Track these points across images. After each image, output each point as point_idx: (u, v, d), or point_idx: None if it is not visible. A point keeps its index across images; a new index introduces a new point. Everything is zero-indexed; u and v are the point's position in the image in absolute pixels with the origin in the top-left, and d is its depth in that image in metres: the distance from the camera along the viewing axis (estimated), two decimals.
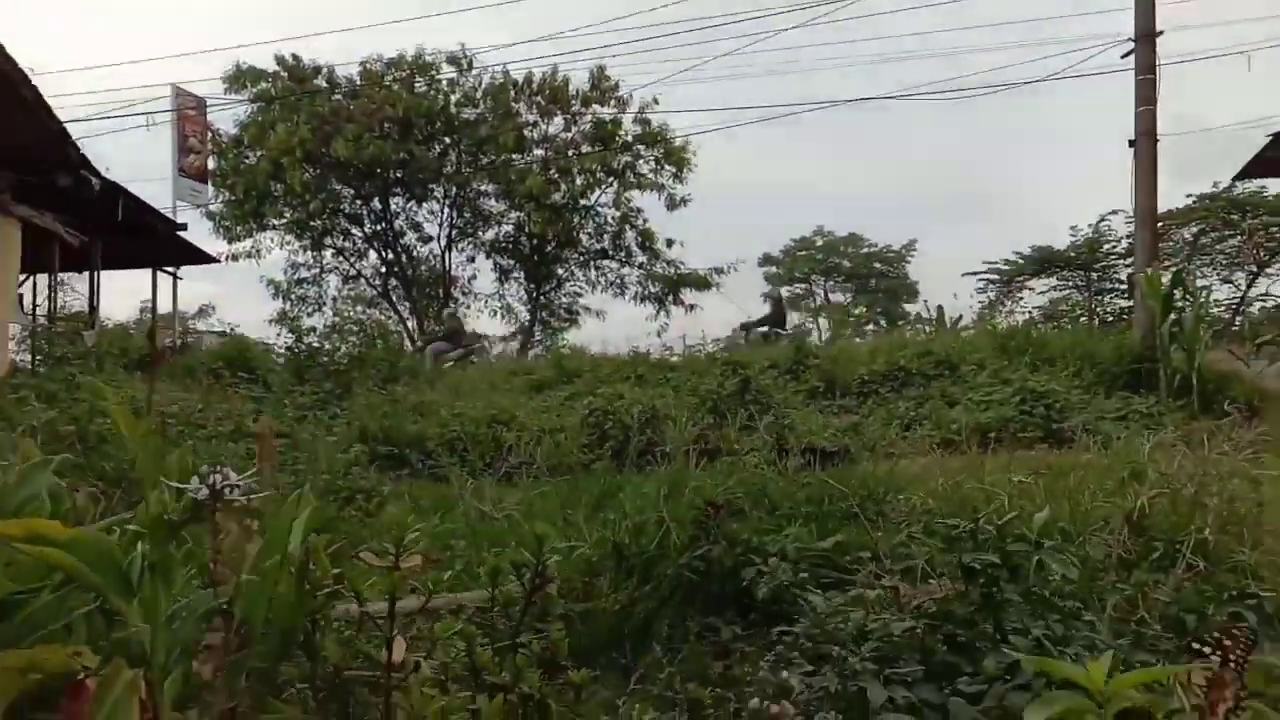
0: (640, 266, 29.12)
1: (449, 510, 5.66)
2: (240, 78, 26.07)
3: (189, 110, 22.17)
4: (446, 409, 11.82)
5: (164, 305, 22.09)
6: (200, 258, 21.21)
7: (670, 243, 28.50)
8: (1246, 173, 18.37)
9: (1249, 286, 27.91)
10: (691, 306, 29.43)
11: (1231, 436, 5.88)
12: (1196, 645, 1.14)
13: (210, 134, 24.57)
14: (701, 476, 5.55)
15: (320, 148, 24.98)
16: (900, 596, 2.26)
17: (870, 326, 41.65)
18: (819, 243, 47.49)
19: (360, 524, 5.70)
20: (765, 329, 19.85)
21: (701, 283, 29.03)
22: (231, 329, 22.09)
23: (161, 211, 18.43)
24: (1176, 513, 3.85)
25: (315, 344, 16.00)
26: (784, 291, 26.26)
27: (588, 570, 3.64)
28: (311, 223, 27.58)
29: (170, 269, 21.22)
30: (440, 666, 1.69)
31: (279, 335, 17.16)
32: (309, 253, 29.04)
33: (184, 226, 19.31)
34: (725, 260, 29.48)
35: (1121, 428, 9.67)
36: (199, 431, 7.53)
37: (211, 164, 25.21)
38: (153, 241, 17.86)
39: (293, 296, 29.43)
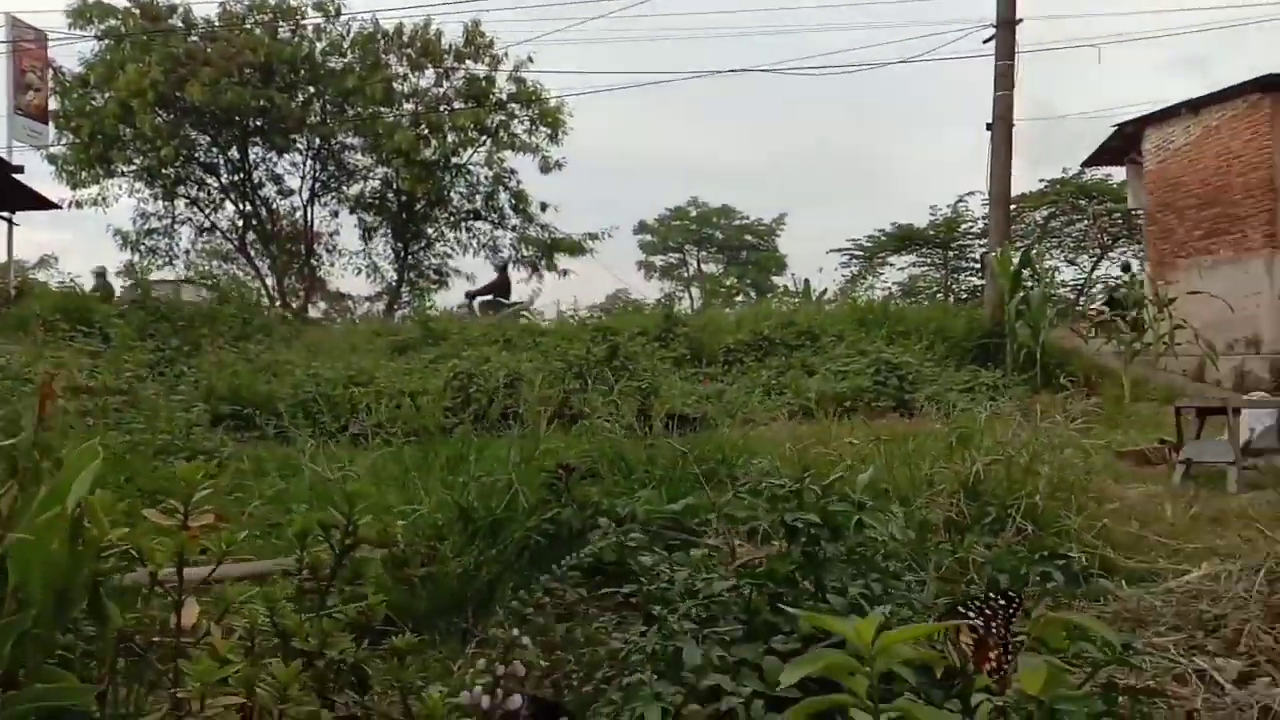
0: (513, 229, 28.74)
1: (295, 474, 5.45)
2: (86, 12, 24.34)
3: (26, 44, 20.58)
4: (302, 369, 11.42)
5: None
6: (39, 203, 19.83)
7: (544, 206, 28.19)
8: (1094, 160, 19.32)
9: (1093, 269, 29.56)
10: (565, 272, 29.25)
11: (1066, 409, 6.17)
12: (961, 609, 1.16)
13: (51, 71, 22.90)
14: (558, 440, 5.51)
15: (174, 91, 23.59)
16: (735, 556, 2.28)
17: (740, 298, 42.51)
18: (693, 213, 47.91)
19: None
20: (489, 297, 20.00)
21: (575, 248, 28.83)
22: (71, 280, 20.84)
23: None
24: (1010, 479, 4.01)
25: (159, 298, 15.23)
26: (509, 258, 26.42)
27: (434, 534, 3.55)
28: (163, 170, 26.02)
29: (5, 214, 19.78)
30: (247, 632, 1.59)
31: (123, 288, 16.25)
32: (160, 202, 27.48)
33: (20, 169, 18.03)
34: (600, 227, 29.33)
35: (968, 399, 10.09)
36: (25, 386, 7.03)
37: (53, 104, 23.50)
38: None
39: (142, 248, 27.90)
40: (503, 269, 21.95)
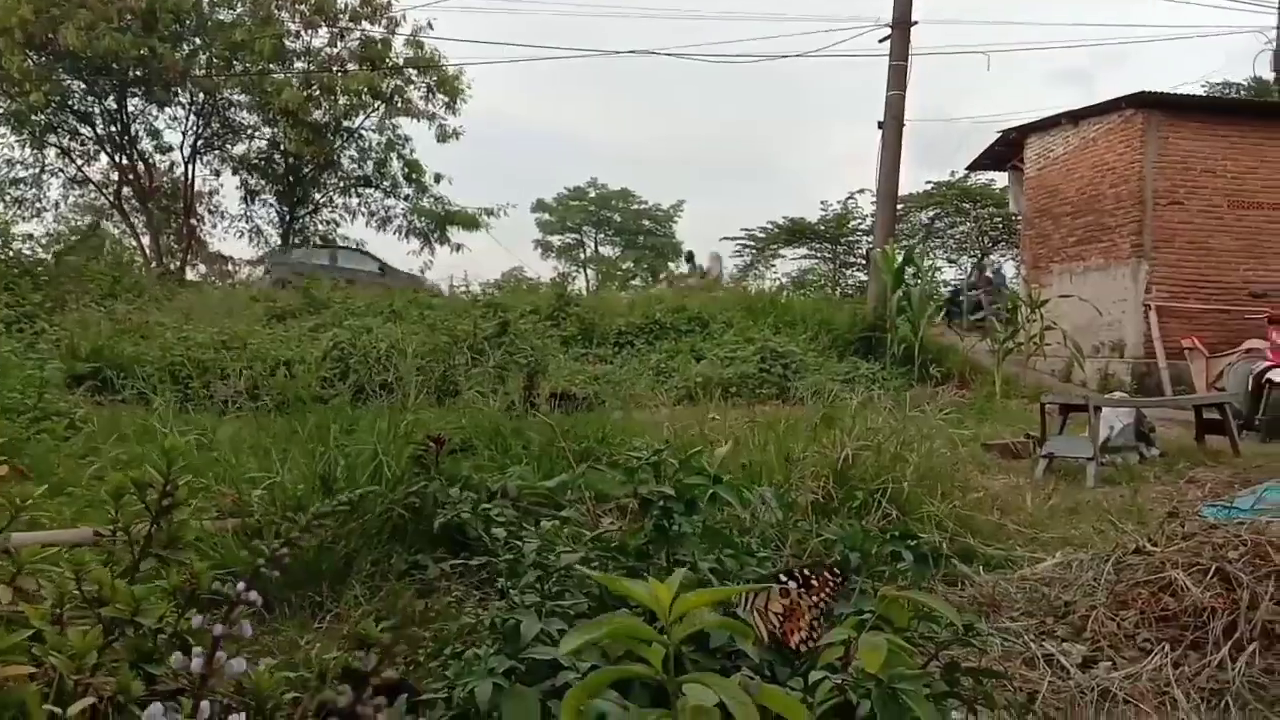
0: (406, 199, 28.13)
1: (152, 439, 5.18)
2: None
3: None
4: (173, 331, 10.95)
5: None
6: None
7: (439, 178, 27.67)
8: (978, 165, 19.94)
9: (973, 270, 30.55)
10: (459, 246, 28.80)
11: (937, 400, 6.32)
12: (784, 577, 1.14)
13: None
14: (435, 413, 5.40)
15: (46, 33, 22.22)
16: (598, 529, 2.24)
17: (636, 281, 42.57)
18: (592, 194, 47.71)
19: (52, 449, 5.15)
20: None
21: (470, 222, 28.37)
22: None
23: None
24: (879, 465, 4.07)
25: (25, 251, 14.42)
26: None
27: (293, 505, 3.41)
28: (33, 116, 24.54)
29: None
30: (57, 598, 1.47)
31: None
32: (28, 149, 25.96)
33: None
34: (496, 202, 28.91)
35: (848, 389, 10.31)
36: None
37: None
38: None
39: (7, 197, 26.32)
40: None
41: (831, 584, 1.19)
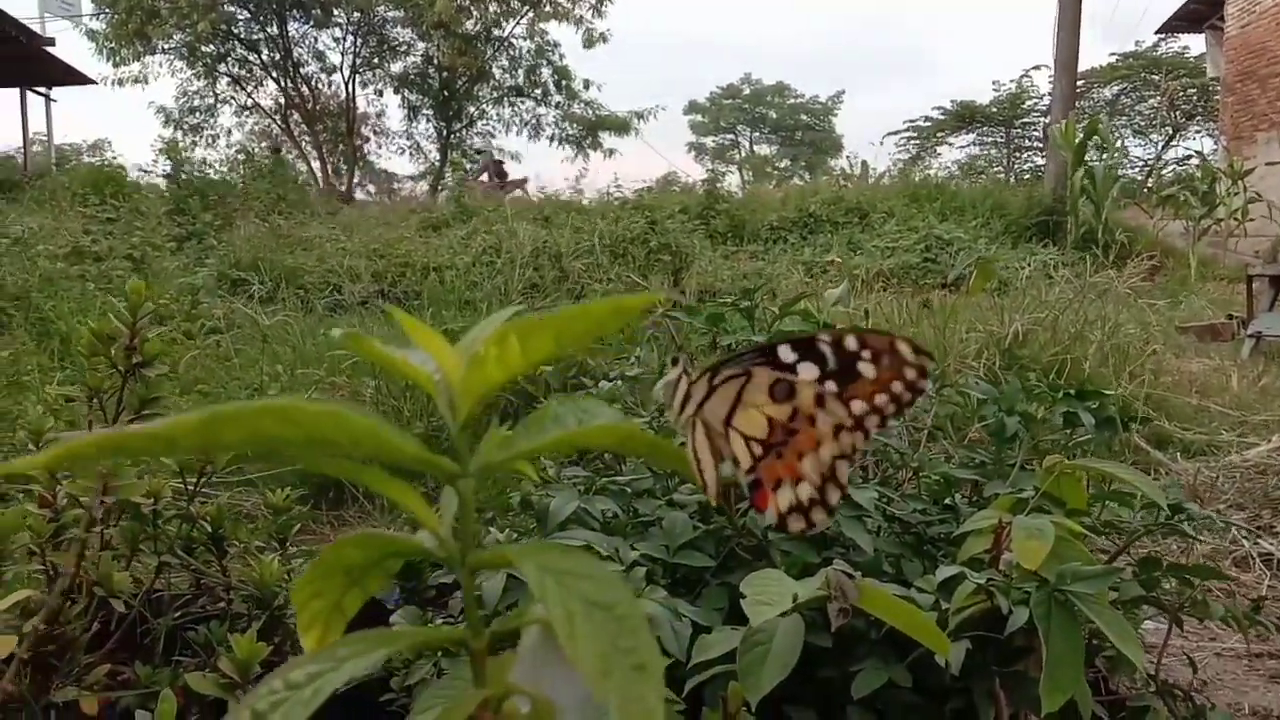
0: (557, 106, 27.93)
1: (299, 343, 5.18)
2: None
3: None
4: (331, 243, 11.21)
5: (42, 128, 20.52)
6: (74, 78, 19.55)
7: (588, 83, 27.30)
8: (1170, 27, 18.03)
9: (1165, 147, 28.05)
10: (611, 151, 28.50)
11: (1123, 281, 5.66)
12: (789, 350, 0.70)
13: None
14: (566, 304, 5.19)
15: None
16: None
17: (795, 180, 41.27)
18: (746, 91, 46.28)
19: (193, 349, 5.23)
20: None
21: (621, 126, 27.99)
22: (111, 159, 20.68)
23: (24, 24, 16.77)
24: (1056, 343, 3.58)
25: (197, 173, 15.01)
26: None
27: (401, 393, 3.25)
28: (203, 47, 25.53)
29: (42, 89, 19.57)
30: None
31: (154, 162, 16.00)
32: (201, 80, 27.08)
33: (51, 41, 17.65)
34: (645, 105, 28.36)
35: (1021, 277, 9.54)
36: (31, 251, 6.82)
37: None
38: (16, 57, 16.30)
39: (185, 126, 27.63)
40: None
41: (905, 372, 0.61)
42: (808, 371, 0.60)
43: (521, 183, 20.63)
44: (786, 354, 0.60)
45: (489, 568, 0.43)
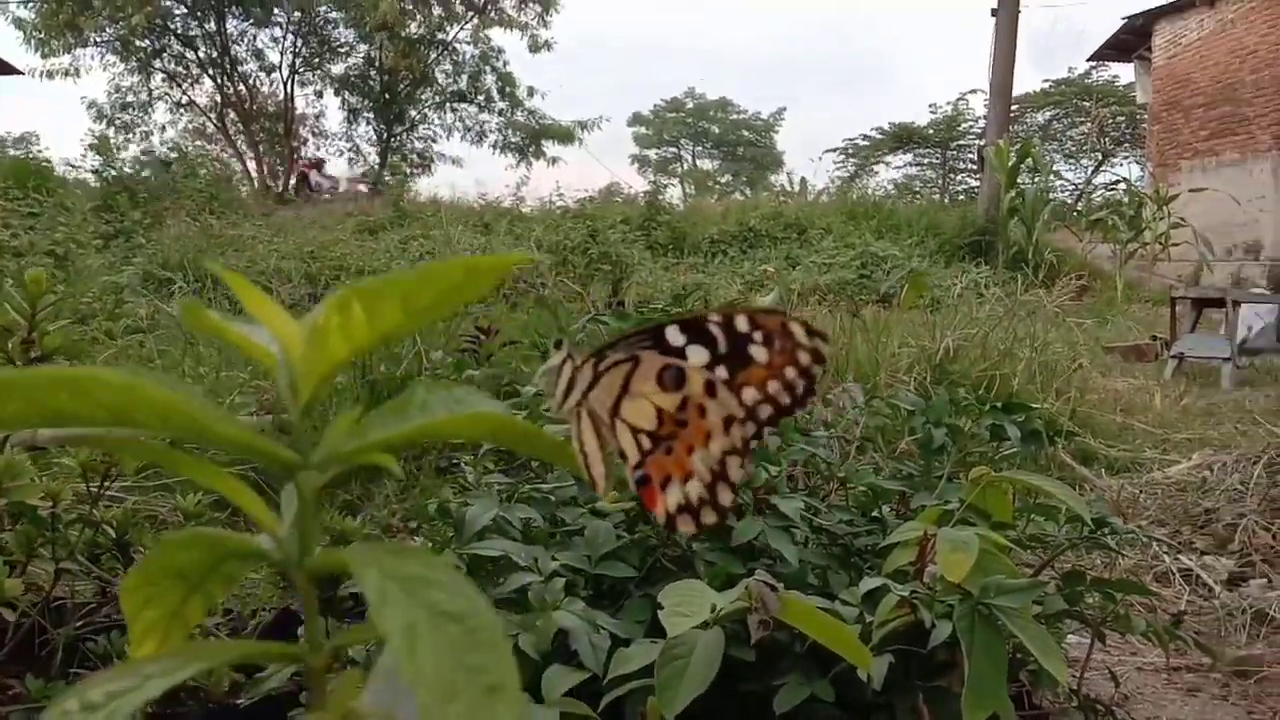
0: (500, 113, 27.79)
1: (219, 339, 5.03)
2: None
3: None
4: (265, 245, 10.99)
5: None
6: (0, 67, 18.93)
7: (532, 91, 27.22)
8: (1100, 55, 18.54)
9: (1094, 172, 28.85)
10: (554, 160, 28.41)
11: (1052, 302, 5.78)
12: (676, 331, 0.67)
13: None
14: (503, 312, 5.17)
15: None
16: None
17: (736, 195, 41.49)
18: (689, 105, 46.50)
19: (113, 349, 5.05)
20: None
21: (565, 135, 27.92)
22: (38, 153, 20.03)
23: None
24: (986, 360, 3.63)
25: (127, 170, 14.65)
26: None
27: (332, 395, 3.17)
28: (138, 42, 24.89)
29: None
30: None
31: (83, 156, 15.56)
32: (135, 76, 26.41)
33: None
34: (589, 115, 28.38)
35: (953, 294, 9.70)
36: None
37: None
38: None
39: (117, 122, 26.89)
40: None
41: (799, 356, 0.57)
42: (697, 356, 0.56)
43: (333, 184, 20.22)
44: (675, 336, 0.56)
45: (328, 572, 0.39)
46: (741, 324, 0.56)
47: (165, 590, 0.36)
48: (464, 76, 27.02)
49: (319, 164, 21.38)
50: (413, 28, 24.92)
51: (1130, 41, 16.59)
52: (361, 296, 0.37)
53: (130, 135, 27.36)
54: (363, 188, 19.29)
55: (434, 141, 28.88)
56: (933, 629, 0.91)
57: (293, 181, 20.68)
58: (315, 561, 0.38)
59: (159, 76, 27.03)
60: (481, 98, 27.48)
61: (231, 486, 0.38)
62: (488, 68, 26.95)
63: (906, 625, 0.94)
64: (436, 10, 24.86)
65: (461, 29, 25.94)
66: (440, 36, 25.77)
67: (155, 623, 0.36)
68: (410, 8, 24.59)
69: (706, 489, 0.56)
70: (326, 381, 0.39)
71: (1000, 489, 1.13)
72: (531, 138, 28.02)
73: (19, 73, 20.59)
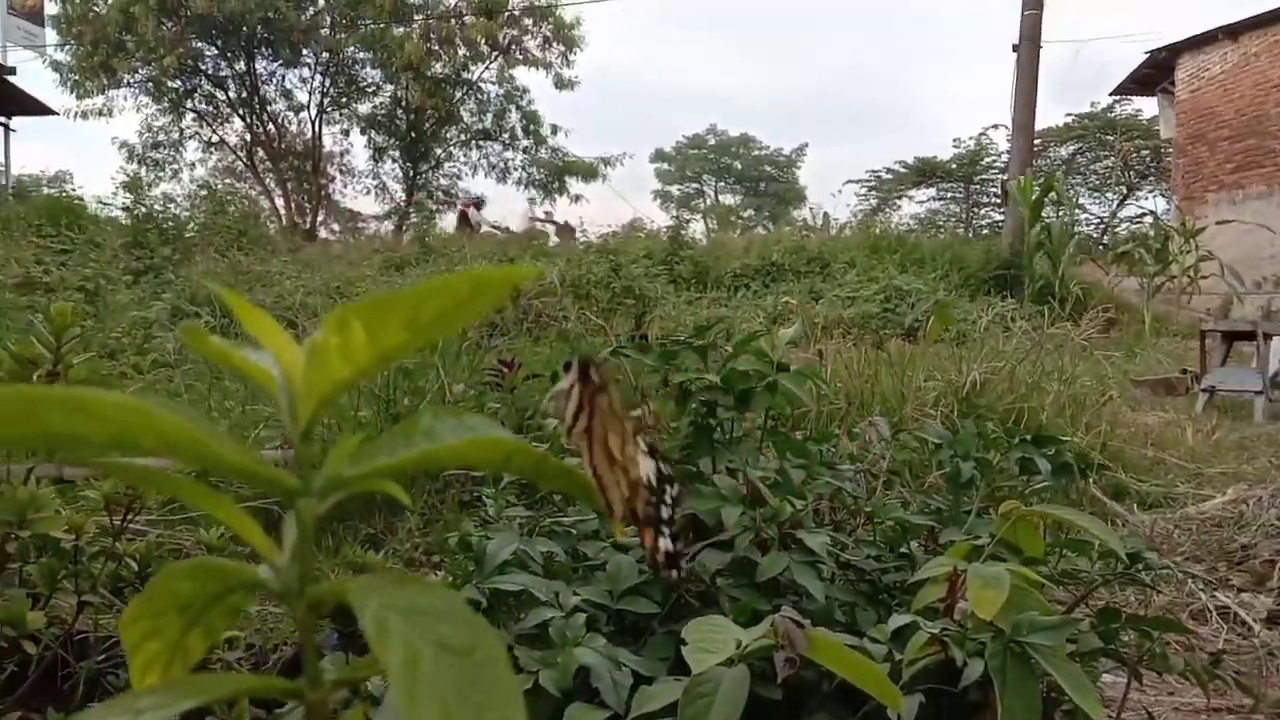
0: (525, 151, 28.06)
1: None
2: None
3: None
4: (292, 280, 11.10)
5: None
6: (35, 108, 19.34)
7: (555, 129, 27.49)
8: (1123, 90, 18.53)
9: (1119, 206, 28.72)
10: (578, 197, 28.63)
11: (1079, 336, 5.74)
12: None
13: None
14: (527, 345, 5.19)
15: None
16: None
17: (758, 230, 41.58)
18: (711, 141, 46.84)
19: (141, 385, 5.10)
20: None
21: (588, 171, 28.15)
22: (71, 191, 20.42)
23: None
24: (1013, 393, 3.59)
25: (158, 208, 14.86)
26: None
27: (354, 426, 3.17)
28: (169, 82, 25.40)
29: (0, 119, 19.32)
30: None
31: (114, 194, 15.82)
32: (166, 116, 26.91)
33: (12, 70, 17.49)
34: (613, 152, 28.62)
35: (979, 327, 9.64)
36: None
37: (53, 8, 22.88)
38: None
39: (148, 161, 27.37)
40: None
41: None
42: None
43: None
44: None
45: (328, 603, 0.37)
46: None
47: (167, 622, 0.35)
48: (489, 115, 27.36)
49: (479, 203, 21.42)
50: (438, 68, 25.30)
51: (1153, 75, 16.57)
52: (361, 314, 0.35)
53: (161, 173, 27.84)
54: (513, 227, 19.41)
55: (459, 179, 29.22)
56: (964, 667, 0.89)
57: (453, 221, 21.02)
58: (315, 592, 0.36)
59: (190, 116, 27.54)
60: (506, 135, 27.80)
61: (230, 513, 0.37)
62: (512, 106, 27.28)
63: (937, 663, 0.91)
64: (462, 50, 25.22)
65: (486, 68, 26.31)
66: (465, 76, 26.13)
67: (157, 656, 0.35)
68: (436, 48, 24.97)
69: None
70: (327, 404, 0.38)
71: (1031, 524, 1.11)
72: (555, 174, 28.26)
73: (54, 113, 21.02)
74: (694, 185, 48.69)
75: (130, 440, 0.30)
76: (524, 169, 28.46)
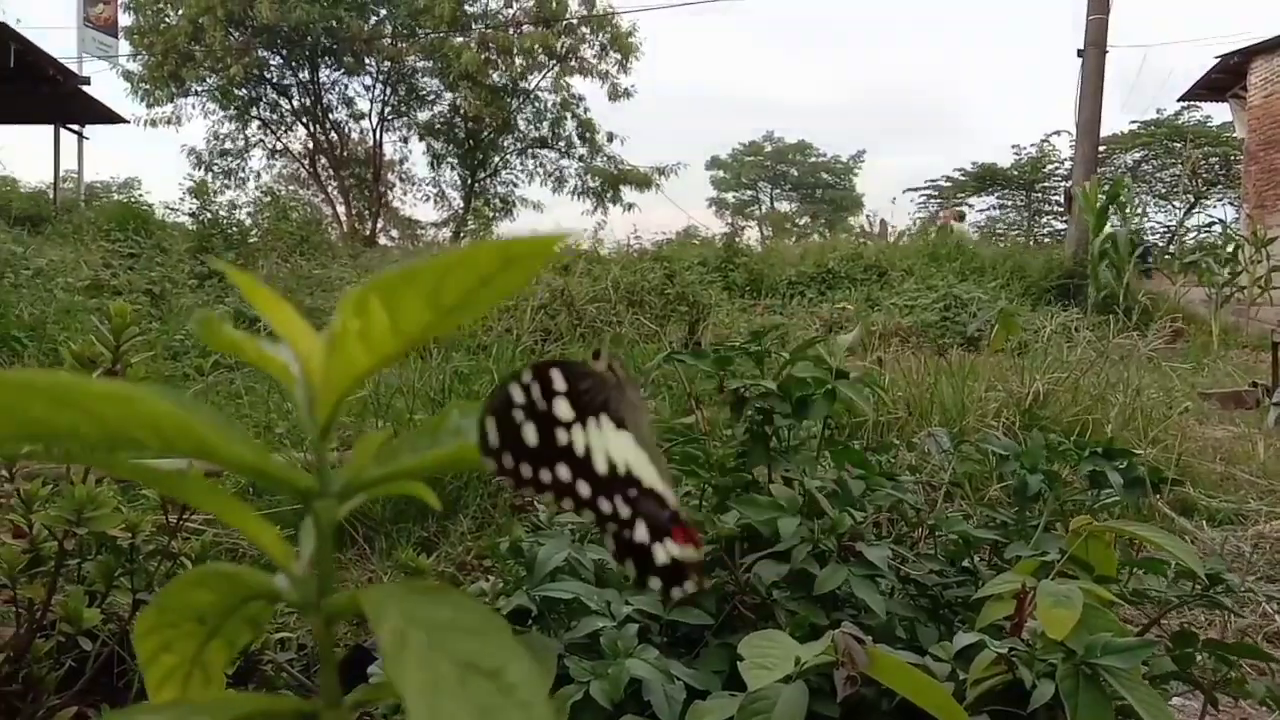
0: (580, 159, 28.20)
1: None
2: None
3: None
4: (351, 285, 11.28)
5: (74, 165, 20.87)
6: (108, 116, 19.89)
7: (611, 137, 27.58)
8: (1192, 95, 18.07)
9: (1186, 215, 28.00)
10: (631, 205, 28.70)
11: (1145, 347, 5.61)
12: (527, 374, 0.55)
13: None
14: (579, 351, 5.18)
15: (243, 9, 23.43)
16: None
17: (815, 236, 41.24)
18: (768, 149, 46.65)
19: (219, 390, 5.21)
20: None
21: (643, 180, 28.20)
22: (139, 197, 20.96)
23: (63, 64, 17.14)
24: (1077, 405, 3.50)
25: (223, 214, 15.19)
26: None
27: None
28: (236, 91, 26.01)
29: (75, 127, 19.90)
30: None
31: (181, 200, 16.20)
32: (233, 123, 27.55)
33: (87, 80, 18.01)
34: (669, 161, 28.62)
35: (1042, 337, 9.45)
36: (51, 283, 6.85)
37: (126, 20, 23.54)
38: (53, 95, 16.62)
39: (214, 168, 28.03)
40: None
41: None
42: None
43: None
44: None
45: (346, 614, 0.35)
46: None
47: (183, 634, 0.33)
48: (545, 123, 27.54)
49: (960, 215, 20.68)
50: (495, 77, 25.55)
51: (1224, 80, 16.15)
52: (380, 292, 0.32)
53: (227, 180, 28.48)
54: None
55: (516, 186, 29.46)
56: (1033, 689, 0.85)
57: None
58: (333, 602, 0.34)
59: (255, 124, 28.16)
60: (562, 144, 27.96)
61: (241, 515, 0.35)
62: (568, 115, 27.44)
63: (1004, 684, 0.88)
64: (519, 60, 25.44)
65: (543, 78, 26.49)
66: (522, 85, 26.34)
67: (174, 670, 0.33)
68: (493, 58, 25.22)
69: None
70: (348, 396, 0.35)
71: (1103, 540, 1.06)
72: (610, 183, 28.35)
73: (125, 121, 21.62)
74: (749, 192, 48.53)
75: (126, 433, 0.28)
76: (579, 177, 28.62)
